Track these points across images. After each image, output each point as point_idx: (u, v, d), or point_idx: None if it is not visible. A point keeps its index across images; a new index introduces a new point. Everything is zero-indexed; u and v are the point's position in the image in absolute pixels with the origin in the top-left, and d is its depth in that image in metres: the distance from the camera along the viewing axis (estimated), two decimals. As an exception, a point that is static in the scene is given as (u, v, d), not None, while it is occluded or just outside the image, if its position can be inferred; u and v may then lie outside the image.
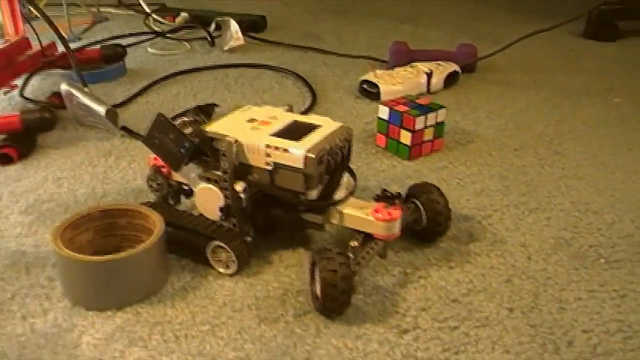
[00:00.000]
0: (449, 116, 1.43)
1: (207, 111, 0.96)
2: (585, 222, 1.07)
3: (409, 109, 1.23)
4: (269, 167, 0.86)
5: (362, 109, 1.50)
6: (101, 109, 1.30)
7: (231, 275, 0.90)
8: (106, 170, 1.20)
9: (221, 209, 0.90)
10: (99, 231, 0.93)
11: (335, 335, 0.80)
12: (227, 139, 0.86)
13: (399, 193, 0.90)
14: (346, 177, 0.93)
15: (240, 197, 0.88)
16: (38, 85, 1.62)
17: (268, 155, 0.86)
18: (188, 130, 0.87)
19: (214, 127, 0.89)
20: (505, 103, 1.56)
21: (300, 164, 0.84)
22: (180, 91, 1.60)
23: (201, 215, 0.94)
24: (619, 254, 0.98)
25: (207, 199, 0.91)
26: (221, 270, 0.91)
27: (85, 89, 1.36)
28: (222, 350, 0.78)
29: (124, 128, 1.34)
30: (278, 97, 1.57)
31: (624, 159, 1.30)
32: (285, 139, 0.86)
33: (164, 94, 1.58)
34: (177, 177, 0.98)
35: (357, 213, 0.87)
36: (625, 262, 0.96)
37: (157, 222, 0.89)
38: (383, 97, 1.48)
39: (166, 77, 1.67)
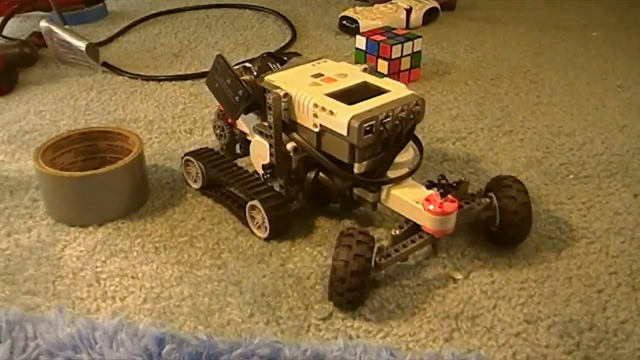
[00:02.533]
0: (427, 50, 1.44)
1: (280, 59, 0.89)
2: (558, 143, 1.09)
3: (385, 38, 1.25)
4: (316, 130, 0.77)
5: (342, 44, 1.51)
6: (81, 44, 1.31)
7: (265, 239, 0.83)
8: (88, 103, 1.22)
9: (264, 167, 0.83)
10: (79, 154, 0.95)
11: (310, 244, 0.83)
12: (275, 91, 0.78)
13: (457, 182, 0.78)
14: (411, 154, 0.81)
15: (288, 157, 0.81)
16: (17, 27, 1.62)
17: (315, 115, 0.76)
18: (244, 78, 0.81)
19: (272, 78, 0.81)
20: (484, 38, 1.58)
21: (343, 131, 0.73)
22: (161, 31, 1.60)
23: (250, 171, 0.88)
24: (588, 171, 1.01)
25: (259, 154, 0.85)
26: (255, 231, 0.84)
27: (66, 27, 1.36)
28: (200, 259, 0.81)
29: (105, 64, 1.35)
30: (258, 34, 1.58)
31: (598, 87, 1.32)
32: (338, 100, 0.76)
33: (145, 34, 1.59)
34: (241, 125, 0.91)
35: (407, 198, 0.76)
36: (593, 178, 0.99)
37: (136, 142, 0.91)
38: (362, 33, 1.49)
39: (147, 18, 1.67)
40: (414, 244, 0.75)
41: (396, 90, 0.78)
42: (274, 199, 0.82)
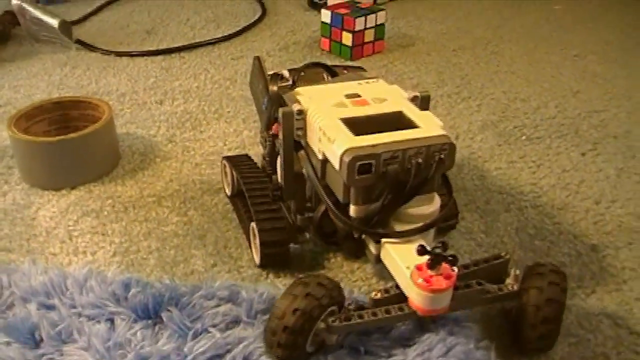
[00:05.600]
0: (393, 23, 1.49)
1: (331, 71, 0.81)
2: (513, 108, 1.14)
3: (349, 11, 1.29)
4: (320, 157, 0.66)
5: (310, 20, 1.55)
6: (54, 22, 1.34)
7: (257, 266, 0.76)
8: (62, 78, 1.25)
9: (272, 186, 0.74)
10: (52, 122, 0.98)
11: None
12: (287, 107, 0.68)
13: (453, 256, 0.58)
14: (432, 207, 0.65)
15: (301, 181, 0.72)
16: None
17: (320, 140, 0.66)
18: (272, 87, 0.73)
19: (300, 90, 0.72)
20: (449, 12, 1.63)
21: (337, 164, 0.61)
22: (135, 9, 1.64)
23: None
24: (540, 132, 1.06)
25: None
26: (254, 253, 0.76)
27: (38, 4, 1.39)
28: (167, 216, 0.85)
29: (78, 41, 1.39)
30: (229, 11, 1.61)
31: (556, 56, 1.37)
32: (349, 127, 0.63)
33: (118, 12, 1.62)
34: None
35: (399, 259, 0.62)
36: (545, 139, 1.05)
37: (106, 110, 0.95)
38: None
39: (120, -3, 1.71)
40: (387, 315, 0.61)
41: (427, 128, 0.63)
42: (272, 223, 0.73)
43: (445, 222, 0.78)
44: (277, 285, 0.73)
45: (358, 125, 0.64)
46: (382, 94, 0.71)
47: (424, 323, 0.65)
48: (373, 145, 0.61)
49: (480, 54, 1.37)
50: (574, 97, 1.19)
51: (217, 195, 0.89)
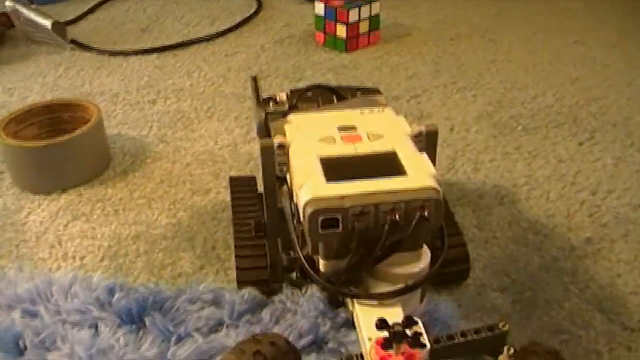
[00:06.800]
0: (389, 14, 1.47)
1: (339, 95, 0.74)
2: (510, 97, 1.13)
3: (343, 3, 1.28)
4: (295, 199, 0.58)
5: (306, 13, 1.53)
6: (47, 23, 1.33)
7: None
8: (56, 80, 1.25)
9: (254, 224, 0.69)
10: (43, 126, 0.98)
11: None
12: (267, 140, 0.60)
13: (418, 334, 0.49)
14: (419, 265, 0.56)
15: (278, 218, 0.65)
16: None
17: (292, 181, 0.59)
18: (260, 112, 0.69)
19: (291, 119, 0.65)
20: (446, 1, 1.61)
21: (301, 214, 0.53)
22: (130, 7, 1.63)
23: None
24: (537, 122, 1.05)
25: None
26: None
27: (32, 6, 1.39)
28: (156, 218, 0.84)
29: (73, 41, 1.38)
30: (224, 7, 1.60)
31: (555, 43, 1.35)
32: (326, 170, 0.55)
33: (114, 11, 1.62)
34: None
35: (364, 327, 0.52)
36: (542, 129, 1.03)
37: (94, 112, 0.94)
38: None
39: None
40: None
41: (414, 177, 0.54)
42: (251, 261, 0.69)
43: (454, 269, 0.71)
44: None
45: (337, 168, 0.55)
46: (381, 129, 0.61)
47: None
48: (341, 197, 0.52)
49: (477, 42, 1.35)
50: (572, 84, 1.17)
51: (206, 195, 0.88)
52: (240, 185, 0.80)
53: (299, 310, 0.65)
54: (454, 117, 1.06)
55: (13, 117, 0.94)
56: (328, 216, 0.52)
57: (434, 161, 0.59)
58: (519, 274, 0.74)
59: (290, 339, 0.61)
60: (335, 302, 0.64)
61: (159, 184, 0.91)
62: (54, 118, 0.98)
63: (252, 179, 0.81)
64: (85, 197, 0.89)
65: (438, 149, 0.62)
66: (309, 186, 0.53)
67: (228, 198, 0.85)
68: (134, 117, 1.09)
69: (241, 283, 0.68)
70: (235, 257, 0.69)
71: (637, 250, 0.77)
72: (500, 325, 0.55)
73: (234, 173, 0.92)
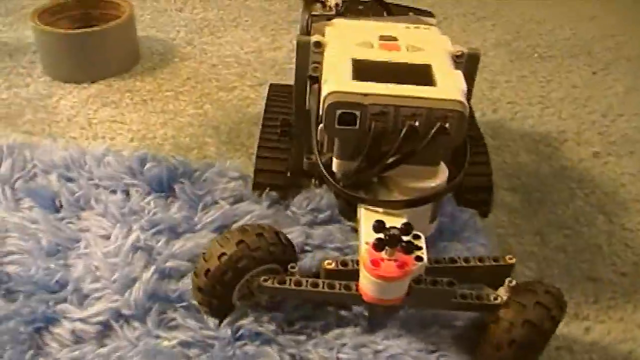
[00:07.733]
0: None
1: (387, 8, 0.73)
2: (527, 29, 1.15)
3: None
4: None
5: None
6: None
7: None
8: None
9: (280, 122, 0.69)
10: (75, 21, 1.01)
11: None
12: (305, 37, 0.60)
13: (408, 242, 0.48)
14: (431, 181, 0.54)
15: (305, 118, 0.64)
16: None
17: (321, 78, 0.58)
18: (305, 11, 0.68)
19: (334, 22, 0.64)
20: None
21: (322, 105, 0.52)
22: None
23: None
24: (553, 52, 1.08)
25: None
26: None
27: None
28: (183, 108, 0.88)
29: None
30: None
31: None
32: (356, 71, 0.53)
33: None
34: None
35: (364, 231, 0.51)
36: (557, 57, 1.06)
37: (127, 8, 0.97)
38: None
39: None
40: (327, 290, 0.52)
41: (443, 89, 0.52)
42: (270, 163, 0.69)
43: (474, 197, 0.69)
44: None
45: (368, 71, 0.53)
46: (423, 44, 0.58)
47: (376, 324, 0.56)
48: (363, 95, 0.50)
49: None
50: (590, 21, 1.19)
51: (232, 92, 0.92)
52: (277, 92, 0.82)
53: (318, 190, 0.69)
54: (472, 43, 1.09)
55: (47, 8, 0.97)
56: (346, 110, 0.50)
57: (472, 85, 0.58)
58: (529, 178, 0.77)
59: (309, 208, 0.66)
60: (347, 212, 0.63)
61: (186, 80, 0.94)
62: (85, 14, 1.01)
63: (291, 88, 0.75)
64: (115, 87, 0.92)
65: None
66: (333, 80, 0.52)
67: (253, 95, 0.89)
68: (162, 22, 1.12)
69: (257, 184, 0.69)
70: (256, 157, 0.70)
71: (642, 165, 0.81)
72: (507, 258, 0.55)
73: (259, 75, 0.95)
